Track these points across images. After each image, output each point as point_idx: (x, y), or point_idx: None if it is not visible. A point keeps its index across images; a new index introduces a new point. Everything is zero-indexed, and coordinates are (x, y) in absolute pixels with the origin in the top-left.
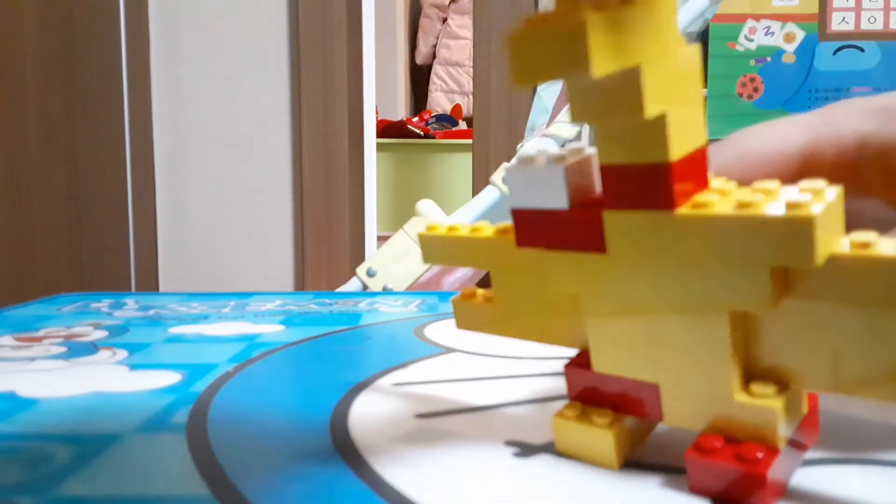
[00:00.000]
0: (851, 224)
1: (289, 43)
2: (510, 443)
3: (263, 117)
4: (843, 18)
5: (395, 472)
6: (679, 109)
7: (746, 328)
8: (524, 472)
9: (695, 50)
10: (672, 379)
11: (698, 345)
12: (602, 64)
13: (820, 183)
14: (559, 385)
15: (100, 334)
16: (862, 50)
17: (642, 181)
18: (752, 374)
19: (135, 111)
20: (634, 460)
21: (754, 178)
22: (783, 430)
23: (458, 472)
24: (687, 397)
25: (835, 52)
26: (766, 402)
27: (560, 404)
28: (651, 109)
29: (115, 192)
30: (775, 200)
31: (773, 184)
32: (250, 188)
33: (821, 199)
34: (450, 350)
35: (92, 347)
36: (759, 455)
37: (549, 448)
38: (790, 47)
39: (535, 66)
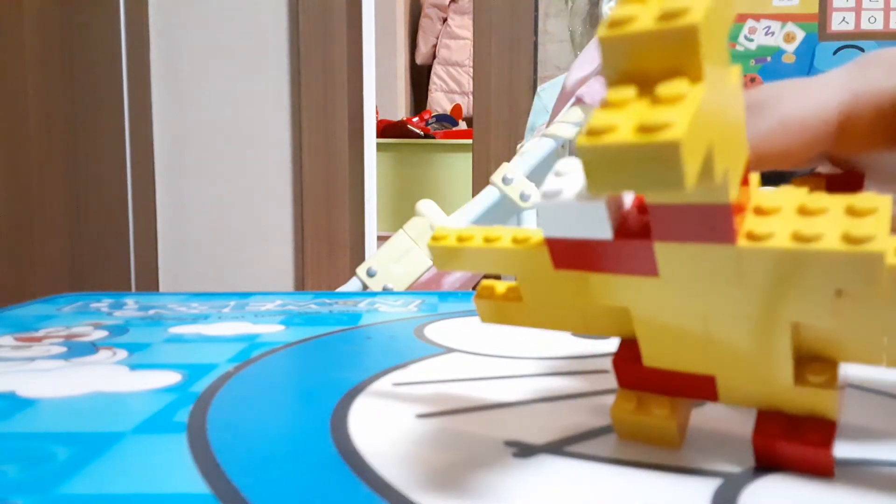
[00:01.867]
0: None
1: (289, 43)
2: (510, 443)
3: (263, 117)
4: (843, 18)
5: (395, 472)
6: (728, 144)
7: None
8: (524, 472)
9: (736, 70)
10: (729, 373)
11: (758, 347)
12: (694, 176)
13: (870, 199)
14: (559, 385)
15: (100, 334)
16: (862, 50)
17: (698, 219)
18: (801, 353)
19: (135, 111)
20: (635, 460)
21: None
22: (838, 412)
23: (458, 472)
24: (744, 386)
25: (835, 52)
26: (823, 390)
27: (561, 404)
28: (717, 176)
29: (115, 192)
30: (828, 223)
31: (822, 198)
32: (250, 188)
33: (877, 220)
34: (450, 350)
35: (92, 347)
36: (815, 435)
37: (550, 448)
38: (790, 47)
39: (615, 181)
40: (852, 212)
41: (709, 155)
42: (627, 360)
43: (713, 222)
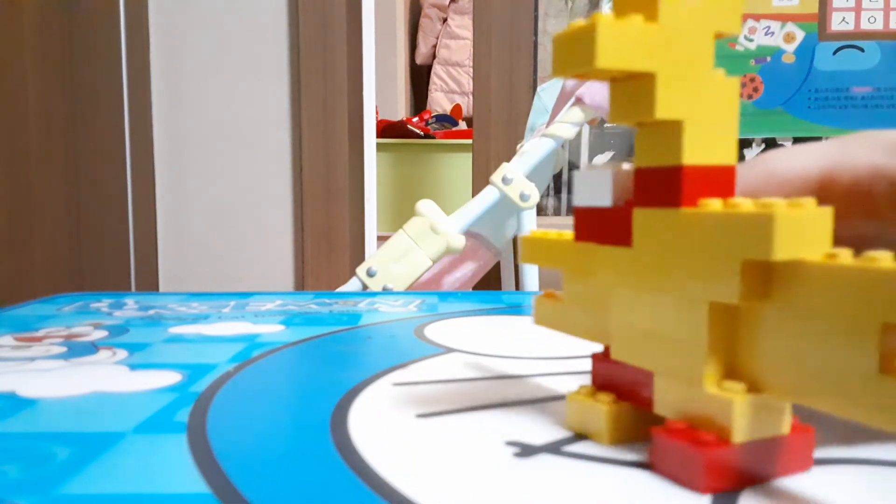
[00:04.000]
0: (866, 249)
1: (289, 43)
2: (510, 443)
3: (263, 117)
4: (843, 18)
5: (395, 471)
6: (702, 126)
7: (729, 327)
8: (524, 473)
9: (733, 83)
10: (662, 367)
11: (683, 335)
12: (606, 60)
13: (810, 200)
14: (559, 385)
15: (100, 334)
16: (862, 50)
17: (660, 181)
18: (734, 377)
19: (135, 111)
20: (635, 461)
21: (777, 196)
22: (740, 426)
23: (458, 473)
24: (671, 386)
25: (835, 52)
26: (726, 395)
27: (561, 405)
28: (661, 112)
29: (115, 192)
30: (762, 205)
31: (777, 199)
32: (250, 188)
33: (799, 208)
34: (449, 350)
35: (92, 347)
36: (708, 438)
37: (550, 448)
38: (790, 47)
39: (565, 62)
40: (791, 204)
41: (649, 74)
42: (603, 355)
43: (667, 183)
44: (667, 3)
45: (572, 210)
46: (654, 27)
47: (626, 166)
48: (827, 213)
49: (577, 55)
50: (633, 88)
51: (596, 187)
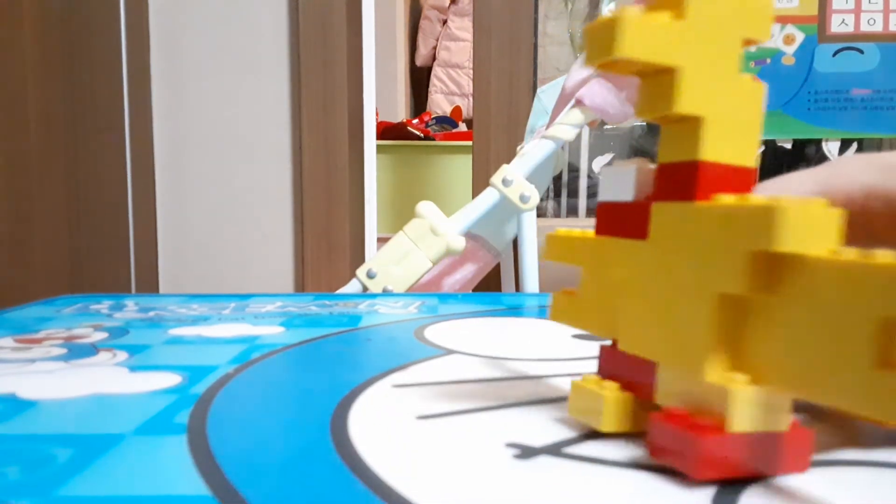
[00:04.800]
0: None
1: (289, 43)
2: (510, 444)
3: (263, 118)
4: (843, 20)
5: (395, 473)
6: (723, 125)
7: (735, 320)
8: (525, 474)
9: (759, 88)
10: (666, 357)
11: (689, 325)
12: (628, 50)
13: (821, 200)
14: (559, 386)
15: (100, 336)
16: (861, 52)
17: (678, 175)
18: (737, 369)
19: (135, 111)
20: (636, 462)
21: None
22: (739, 415)
23: (459, 474)
24: (674, 376)
25: (834, 54)
26: (727, 384)
27: (561, 406)
28: (682, 107)
29: (115, 193)
30: (774, 200)
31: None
32: (250, 189)
33: (808, 203)
34: (450, 352)
35: (92, 349)
36: (705, 424)
37: (550, 450)
38: (790, 49)
39: (593, 51)
40: (806, 200)
41: (673, 68)
42: (610, 348)
43: (684, 177)
44: (695, 4)
45: (596, 207)
46: (681, 24)
47: (651, 165)
48: (836, 212)
49: (603, 44)
50: (658, 83)
51: (620, 183)
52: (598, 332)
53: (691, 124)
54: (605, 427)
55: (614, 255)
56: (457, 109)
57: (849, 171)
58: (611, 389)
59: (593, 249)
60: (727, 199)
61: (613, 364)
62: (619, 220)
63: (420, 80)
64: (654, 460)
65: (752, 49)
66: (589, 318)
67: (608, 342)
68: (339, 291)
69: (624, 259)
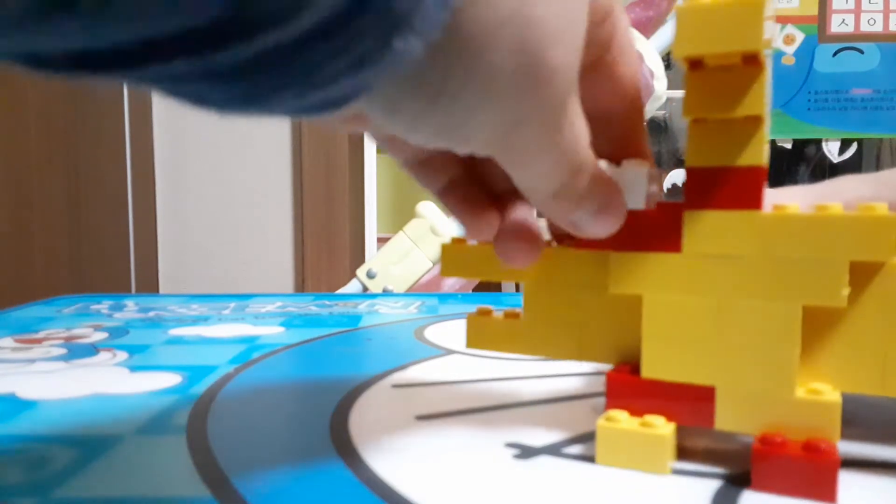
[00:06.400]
0: None
1: None
2: (510, 444)
3: (263, 118)
4: (843, 20)
5: (395, 472)
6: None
7: (807, 330)
8: (524, 474)
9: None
10: (731, 379)
11: (766, 340)
12: (757, 38)
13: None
14: (559, 387)
15: (100, 336)
16: (861, 52)
17: (732, 182)
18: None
19: (135, 112)
20: None
21: None
22: (838, 428)
23: (458, 474)
24: (744, 399)
25: (834, 54)
26: (826, 398)
27: (560, 406)
28: (755, 106)
29: (116, 193)
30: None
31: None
32: (250, 190)
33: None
34: (449, 352)
35: (92, 349)
36: (824, 446)
37: (549, 450)
38: (790, 49)
39: (700, 38)
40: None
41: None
42: (623, 373)
43: (744, 185)
44: None
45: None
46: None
47: (649, 168)
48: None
49: (728, 31)
50: (729, 80)
51: (627, 189)
52: (554, 356)
53: (753, 125)
54: (669, 469)
55: (619, 270)
56: None
57: (845, 186)
58: (664, 427)
59: (546, 264)
60: (788, 206)
61: (635, 393)
62: (625, 232)
63: None
64: (760, 491)
65: None
66: (535, 341)
67: (606, 367)
68: (339, 291)
69: (640, 275)
